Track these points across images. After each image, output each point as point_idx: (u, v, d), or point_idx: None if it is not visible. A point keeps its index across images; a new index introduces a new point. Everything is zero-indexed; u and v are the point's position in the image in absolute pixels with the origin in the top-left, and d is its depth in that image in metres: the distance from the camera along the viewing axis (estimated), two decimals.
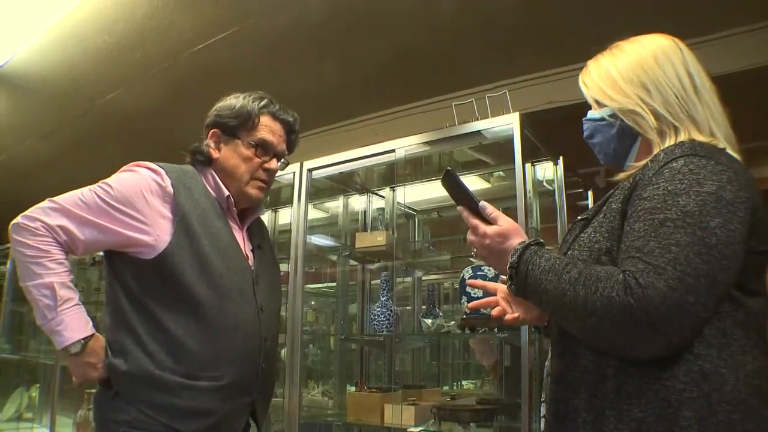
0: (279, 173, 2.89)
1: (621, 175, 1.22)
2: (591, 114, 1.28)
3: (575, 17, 2.91)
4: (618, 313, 0.96)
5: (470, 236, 1.23)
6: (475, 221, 1.21)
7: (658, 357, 0.98)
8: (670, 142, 1.14)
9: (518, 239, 1.18)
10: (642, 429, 0.98)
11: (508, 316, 1.36)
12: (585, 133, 1.31)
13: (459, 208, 1.25)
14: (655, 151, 1.15)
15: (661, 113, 1.15)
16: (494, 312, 1.38)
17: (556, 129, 2.69)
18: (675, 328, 0.95)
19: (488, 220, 1.21)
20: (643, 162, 1.15)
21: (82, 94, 3.99)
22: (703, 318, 0.97)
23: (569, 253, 1.18)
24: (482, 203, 1.21)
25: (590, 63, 1.30)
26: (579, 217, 1.28)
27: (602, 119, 1.24)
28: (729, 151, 1.12)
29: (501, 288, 1.40)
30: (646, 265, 0.96)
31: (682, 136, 1.13)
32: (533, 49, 3.30)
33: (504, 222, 1.20)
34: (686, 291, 0.93)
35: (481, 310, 2.44)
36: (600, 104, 1.25)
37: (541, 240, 1.17)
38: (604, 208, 1.17)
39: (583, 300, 1.00)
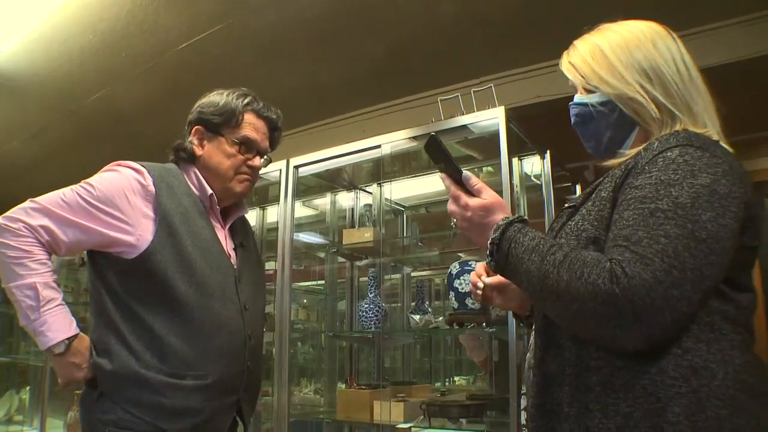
0: (265, 170, 2.91)
1: (612, 162, 1.16)
2: (581, 98, 1.21)
3: (563, 10, 2.90)
4: (602, 302, 0.92)
5: (451, 206, 1.18)
6: (458, 191, 1.16)
7: (647, 351, 0.96)
8: (665, 131, 1.10)
9: (502, 214, 1.13)
10: (629, 424, 0.95)
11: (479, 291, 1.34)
12: (574, 119, 1.24)
13: (441, 176, 1.19)
14: (652, 138, 1.11)
15: (662, 102, 1.11)
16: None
17: (544, 123, 2.69)
18: (657, 321, 0.92)
19: (471, 192, 1.15)
20: (636, 150, 1.11)
21: (68, 93, 3.96)
22: (687, 313, 0.94)
23: (556, 240, 1.13)
24: (466, 173, 1.15)
25: (577, 42, 1.23)
26: (566, 205, 1.23)
27: (597, 104, 1.18)
28: (722, 144, 1.09)
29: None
30: (633, 255, 0.93)
31: (678, 127, 1.10)
32: (521, 43, 3.30)
33: (488, 195, 1.15)
34: (672, 284, 0.91)
35: (469, 304, 2.47)
36: (590, 89, 1.19)
37: (526, 217, 1.13)
38: (593, 196, 1.13)
39: (567, 284, 0.97)
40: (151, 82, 3.78)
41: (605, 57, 1.16)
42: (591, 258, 0.98)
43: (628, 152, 1.14)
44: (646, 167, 1.03)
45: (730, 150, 1.09)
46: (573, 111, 1.24)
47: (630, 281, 0.91)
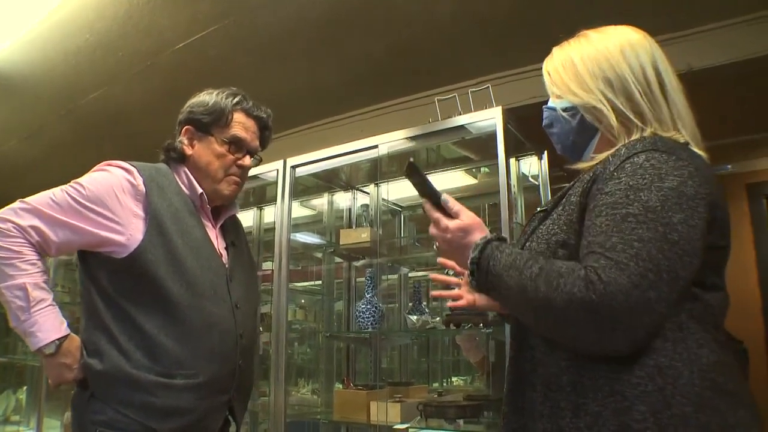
0: (262, 170, 2.91)
1: (581, 166, 1.21)
2: (551, 103, 1.28)
3: (561, 11, 2.89)
4: (580, 310, 0.95)
5: (432, 229, 1.23)
6: (437, 215, 1.20)
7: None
8: (635, 137, 1.14)
9: (479, 234, 1.17)
10: (598, 422, 0.98)
11: (462, 302, 1.37)
12: (544, 122, 1.31)
13: (422, 200, 1.24)
14: (618, 144, 1.14)
15: (622, 110, 1.15)
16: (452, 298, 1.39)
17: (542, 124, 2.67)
18: (637, 324, 0.94)
19: (450, 215, 1.20)
20: (604, 155, 1.14)
21: (65, 93, 3.95)
22: (664, 314, 0.97)
23: (527, 244, 1.18)
24: (444, 197, 1.20)
25: (555, 50, 1.29)
26: (538, 209, 1.28)
27: (562, 110, 1.23)
28: (692, 147, 1.12)
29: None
30: (608, 261, 0.95)
31: (647, 133, 1.13)
32: (519, 43, 3.28)
33: (466, 217, 1.19)
34: (649, 287, 0.93)
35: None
36: (559, 95, 1.24)
37: (503, 236, 1.17)
38: (563, 200, 1.17)
39: (545, 296, 0.99)
40: (149, 81, 3.77)
41: (574, 67, 1.22)
42: (565, 268, 1.00)
43: (598, 157, 1.17)
44: (615, 173, 1.06)
45: (701, 153, 1.13)
46: (544, 114, 1.31)
47: (606, 287, 0.93)
